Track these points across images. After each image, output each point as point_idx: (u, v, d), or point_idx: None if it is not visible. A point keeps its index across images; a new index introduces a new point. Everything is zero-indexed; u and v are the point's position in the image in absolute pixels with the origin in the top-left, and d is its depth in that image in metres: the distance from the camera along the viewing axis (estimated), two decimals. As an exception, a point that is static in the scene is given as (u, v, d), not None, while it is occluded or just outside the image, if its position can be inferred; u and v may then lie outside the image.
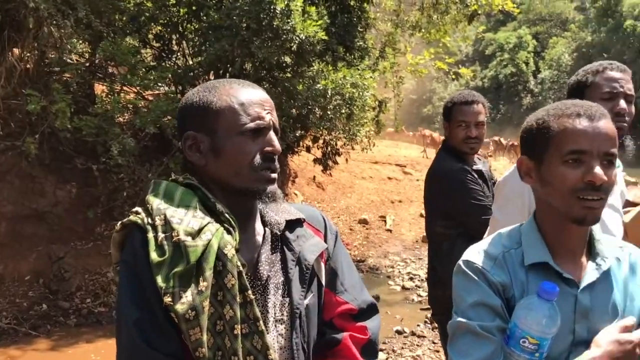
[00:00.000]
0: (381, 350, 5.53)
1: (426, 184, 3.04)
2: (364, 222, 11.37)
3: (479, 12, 8.48)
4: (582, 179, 1.27)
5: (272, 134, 1.36)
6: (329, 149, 9.03)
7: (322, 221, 1.54)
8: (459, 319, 1.32)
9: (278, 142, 1.37)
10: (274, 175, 1.36)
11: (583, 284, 1.32)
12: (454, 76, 10.72)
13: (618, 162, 2.16)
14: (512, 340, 1.26)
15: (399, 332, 6.13)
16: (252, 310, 1.27)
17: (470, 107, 2.97)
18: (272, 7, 6.31)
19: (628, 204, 8.75)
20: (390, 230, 10.94)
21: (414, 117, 47.20)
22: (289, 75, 7.52)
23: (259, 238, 1.41)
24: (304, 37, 6.51)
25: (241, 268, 1.27)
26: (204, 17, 6.87)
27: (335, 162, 9.06)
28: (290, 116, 7.48)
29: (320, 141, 8.87)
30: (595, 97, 2.05)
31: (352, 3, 8.19)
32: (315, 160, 9.09)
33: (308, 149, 9.23)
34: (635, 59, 36.87)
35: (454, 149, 2.98)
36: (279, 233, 1.42)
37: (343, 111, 7.00)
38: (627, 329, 1.30)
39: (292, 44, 6.63)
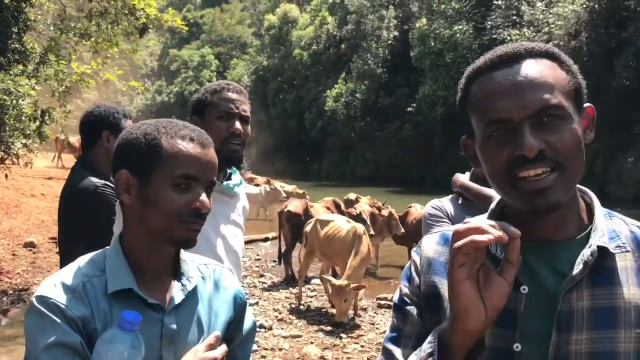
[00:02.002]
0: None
1: (63, 203, 2.74)
2: (30, 245, 10.22)
3: (150, 26, 8.40)
4: (188, 205, 1.26)
5: None
6: (-17, 163, 7.84)
7: None
8: None
9: None
10: None
11: (169, 307, 1.28)
12: (123, 89, 10.34)
13: (240, 178, 2.26)
14: None
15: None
16: None
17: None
18: None
19: (290, 214, 9.61)
20: (62, 252, 10.05)
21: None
22: None
23: None
24: (-62, 33, 5.54)
25: None
26: None
27: (-9, 179, 7.93)
28: None
29: (-29, 154, 7.65)
30: (213, 115, 2.09)
31: (6, 1, 7.30)
32: (-34, 177, 7.82)
33: (-43, 163, 7.88)
34: (304, 84, 41.54)
35: (93, 164, 2.77)
36: None
37: (-7, 121, 6.15)
38: (211, 347, 1.30)
39: None
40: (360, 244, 7.12)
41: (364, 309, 7.52)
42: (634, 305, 1.01)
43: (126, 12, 8.16)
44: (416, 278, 1.18)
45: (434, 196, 3.23)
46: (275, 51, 44.16)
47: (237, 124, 2.09)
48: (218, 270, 1.44)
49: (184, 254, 1.38)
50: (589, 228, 1.08)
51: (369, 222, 9.26)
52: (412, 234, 9.85)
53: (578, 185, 1.10)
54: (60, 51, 8.00)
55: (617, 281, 1.02)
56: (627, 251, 1.05)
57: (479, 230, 0.96)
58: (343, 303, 6.59)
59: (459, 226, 0.99)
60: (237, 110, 2.10)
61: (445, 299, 1.11)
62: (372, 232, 9.03)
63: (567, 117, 1.02)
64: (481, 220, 1.00)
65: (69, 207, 2.75)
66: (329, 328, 6.69)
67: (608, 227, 1.08)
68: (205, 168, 1.29)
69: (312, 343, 6.18)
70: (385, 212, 10.00)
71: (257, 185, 18.38)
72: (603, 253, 1.04)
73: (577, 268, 1.02)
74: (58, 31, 8.30)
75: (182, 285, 1.32)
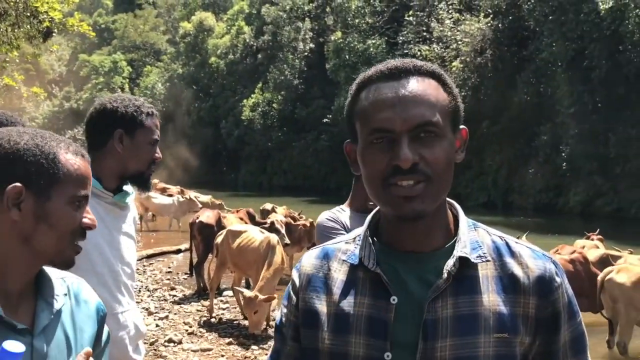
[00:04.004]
0: None
1: None
2: None
3: (54, 30, 8.04)
4: (80, 223, 1.24)
5: None
6: None
7: None
8: None
9: None
10: None
11: (37, 329, 1.21)
12: (25, 94, 9.83)
13: (131, 189, 2.21)
14: None
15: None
16: None
17: None
18: None
19: (201, 225, 9.43)
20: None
21: None
22: None
23: None
24: None
25: None
26: None
27: None
28: None
29: None
30: (146, 139, 2.11)
31: None
32: None
33: None
34: (220, 92, 41.11)
35: None
36: None
37: None
38: None
39: None
40: (274, 254, 7.09)
41: (277, 320, 7.50)
42: (493, 311, 1.08)
43: (28, 14, 7.76)
44: (294, 297, 1.21)
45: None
46: (191, 59, 43.43)
47: (159, 152, 2.17)
48: (76, 283, 1.37)
49: (46, 269, 1.30)
50: (455, 239, 1.14)
51: (283, 232, 9.26)
52: (326, 243, 9.97)
53: (447, 199, 1.16)
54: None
55: (479, 289, 1.09)
56: (488, 260, 1.12)
57: None
58: (254, 315, 6.54)
59: None
60: (158, 139, 2.17)
61: (323, 314, 1.14)
62: (287, 241, 9.02)
63: (443, 136, 1.08)
64: None
65: None
66: (240, 340, 6.62)
67: (471, 238, 1.14)
68: (90, 184, 1.27)
69: (222, 356, 6.09)
70: (307, 222, 10.14)
71: (170, 195, 17.91)
72: (465, 263, 1.10)
73: (441, 278, 1.08)
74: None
75: (48, 303, 1.25)
